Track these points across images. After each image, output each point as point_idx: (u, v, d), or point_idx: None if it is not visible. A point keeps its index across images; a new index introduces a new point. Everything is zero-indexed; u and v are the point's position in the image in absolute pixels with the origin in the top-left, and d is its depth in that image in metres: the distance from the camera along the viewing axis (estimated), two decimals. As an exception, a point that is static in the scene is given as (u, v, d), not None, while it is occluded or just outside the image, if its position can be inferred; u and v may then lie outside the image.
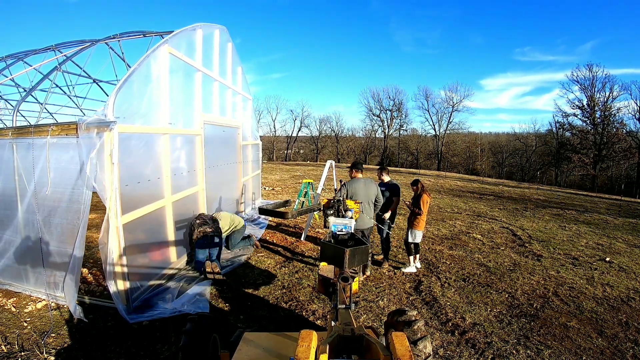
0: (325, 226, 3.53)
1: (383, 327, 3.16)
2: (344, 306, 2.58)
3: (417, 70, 77.96)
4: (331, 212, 3.60)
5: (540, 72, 76.83)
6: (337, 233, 3.00)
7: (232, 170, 8.38)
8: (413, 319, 2.52)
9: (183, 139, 5.65)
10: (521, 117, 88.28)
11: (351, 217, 3.39)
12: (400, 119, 58.48)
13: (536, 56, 73.18)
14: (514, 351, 3.83)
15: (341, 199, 3.66)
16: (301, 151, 64.29)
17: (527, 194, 18.47)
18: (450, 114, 54.86)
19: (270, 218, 9.12)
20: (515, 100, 75.75)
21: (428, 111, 56.38)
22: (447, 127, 55.04)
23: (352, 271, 2.93)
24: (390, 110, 58.32)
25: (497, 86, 75.86)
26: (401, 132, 58.84)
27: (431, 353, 2.36)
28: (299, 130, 61.48)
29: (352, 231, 3.03)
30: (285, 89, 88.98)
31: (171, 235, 5.32)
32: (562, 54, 69.13)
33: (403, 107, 58.28)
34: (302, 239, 7.48)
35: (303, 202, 9.33)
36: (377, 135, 60.55)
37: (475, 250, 7.39)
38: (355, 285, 3.23)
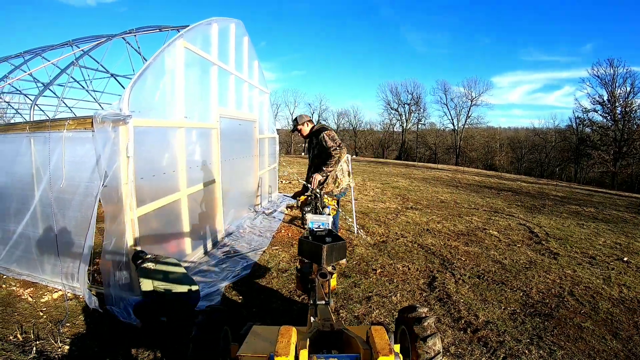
0: (303, 223, 3.57)
1: (394, 323, 3.14)
2: (323, 302, 2.62)
3: (430, 69, 79.17)
4: (308, 209, 3.66)
5: (546, 70, 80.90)
6: (315, 230, 3.02)
7: (248, 164, 8.48)
8: (423, 315, 2.53)
9: (199, 132, 5.74)
10: (534, 113, 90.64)
11: (328, 214, 3.41)
12: (418, 113, 57.96)
13: (540, 56, 77.93)
14: (526, 351, 3.77)
15: (318, 195, 3.73)
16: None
17: (545, 191, 18.04)
18: (469, 109, 54.10)
19: (286, 212, 9.19)
20: (527, 97, 76.76)
21: (446, 105, 55.80)
22: (465, 121, 54.29)
23: (331, 267, 2.97)
24: (408, 104, 57.81)
25: (507, 83, 77.21)
26: (419, 127, 58.28)
27: (441, 350, 2.36)
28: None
29: (330, 227, 3.07)
30: (305, 85, 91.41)
31: (186, 227, 5.40)
32: (564, 55, 74.11)
33: (421, 101, 57.75)
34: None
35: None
36: (394, 129, 60.11)
37: (491, 247, 7.29)
38: (333, 282, 3.31)
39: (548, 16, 69.82)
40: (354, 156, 53.15)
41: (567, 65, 79.72)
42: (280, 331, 1.80)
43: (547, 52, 74.27)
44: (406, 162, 42.07)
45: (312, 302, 2.73)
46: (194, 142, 5.64)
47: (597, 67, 39.90)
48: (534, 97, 75.86)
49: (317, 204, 3.67)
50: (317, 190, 4.12)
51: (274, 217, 8.49)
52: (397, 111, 58.60)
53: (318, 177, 4.51)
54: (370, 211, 9.92)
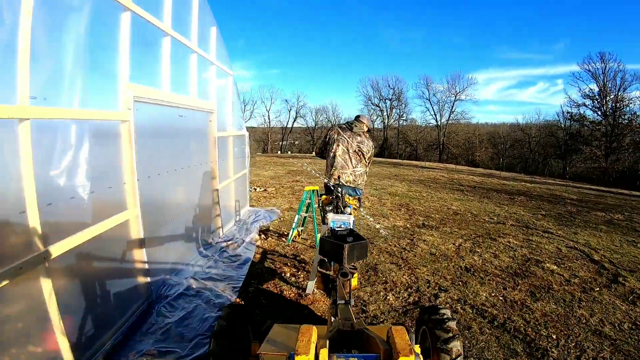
0: (324, 222, 3.70)
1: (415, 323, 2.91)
2: (343, 301, 2.60)
3: (406, 67, 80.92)
4: (330, 208, 3.59)
5: (519, 67, 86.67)
6: (336, 229, 2.90)
7: (199, 175, 5.71)
8: (446, 317, 2.47)
9: (83, 128, 3.01)
10: (510, 109, 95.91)
11: (350, 214, 3.39)
12: (399, 109, 56.20)
13: (512, 54, 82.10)
14: None
15: (340, 195, 3.79)
16: (296, 142, 62.06)
17: (557, 193, 16.14)
18: (453, 104, 52.76)
19: (258, 242, 6.51)
20: (501, 93, 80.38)
21: (429, 100, 54.25)
22: (449, 117, 52.95)
23: (352, 267, 2.87)
24: (389, 100, 55.88)
25: (482, 80, 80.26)
26: (400, 122, 56.62)
27: (462, 353, 2.35)
28: (294, 121, 59.02)
29: (352, 227, 3.00)
30: (283, 83, 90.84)
31: (59, 326, 2.66)
32: (536, 53, 78.34)
33: (403, 97, 56.04)
34: (307, 292, 4.69)
35: (305, 217, 6.71)
36: (374, 126, 58.15)
37: (566, 296, 4.86)
38: (354, 282, 3.41)
39: (519, 14, 72.01)
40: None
41: (540, 62, 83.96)
42: (301, 330, 1.80)
43: (519, 50, 78.10)
44: (390, 159, 40.00)
45: (332, 301, 2.73)
46: (72, 148, 2.91)
47: (588, 63, 39.69)
48: (508, 93, 79.38)
49: (339, 204, 3.63)
50: (340, 189, 3.99)
51: (239, 257, 5.59)
52: (379, 107, 56.58)
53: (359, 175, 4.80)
54: (374, 235, 7.31)
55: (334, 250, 2.63)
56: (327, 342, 1.78)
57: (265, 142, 56.14)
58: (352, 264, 2.86)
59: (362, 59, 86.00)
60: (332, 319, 2.43)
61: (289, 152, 46.21)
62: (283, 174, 17.39)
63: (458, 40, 76.49)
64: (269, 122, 58.23)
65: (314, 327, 1.89)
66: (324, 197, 4.55)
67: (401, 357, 1.58)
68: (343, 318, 2.27)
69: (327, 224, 3.16)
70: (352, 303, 2.59)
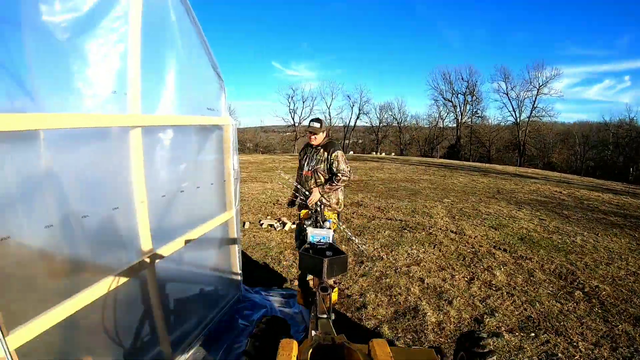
0: (304, 238, 3.58)
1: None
2: (324, 316, 2.65)
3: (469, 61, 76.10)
4: (309, 222, 3.65)
5: (584, 64, 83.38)
6: (315, 243, 2.96)
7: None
8: (487, 350, 2.32)
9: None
10: (576, 107, 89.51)
11: (329, 228, 3.37)
12: (473, 105, 52.59)
13: (576, 50, 77.33)
14: None
15: (319, 209, 3.80)
16: (360, 141, 61.19)
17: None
18: (535, 98, 47.88)
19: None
20: (566, 91, 75.05)
21: (507, 95, 49.74)
22: (531, 113, 48.16)
23: (334, 282, 3.01)
24: (463, 94, 52.63)
25: (545, 78, 75.44)
26: (473, 120, 52.89)
27: None
28: (357, 118, 57.85)
29: (331, 241, 3.01)
30: (348, 81, 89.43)
31: None
32: (601, 49, 73.62)
33: (477, 91, 52.25)
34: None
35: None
36: (444, 124, 55.36)
37: None
38: (334, 296, 3.72)
39: (580, 10, 67.10)
40: (400, 154, 49.63)
41: (605, 58, 79.21)
42: (281, 344, 1.80)
43: (583, 47, 73.55)
44: (467, 162, 36.73)
45: (313, 315, 2.79)
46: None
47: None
48: (574, 91, 75.00)
49: (318, 218, 3.65)
50: (319, 204, 4.04)
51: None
52: (451, 102, 53.35)
53: (317, 195, 4.43)
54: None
55: (314, 265, 2.63)
56: (308, 355, 1.81)
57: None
58: (333, 279, 2.85)
59: (423, 58, 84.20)
60: (313, 333, 2.47)
61: (351, 152, 45.39)
62: None
63: (520, 37, 72.70)
64: (330, 120, 57.54)
65: (295, 341, 1.94)
66: (303, 212, 4.40)
67: (373, 340, 1.61)
68: (324, 332, 2.33)
69: (307, 238, 3.13)
70: (332, 317, 2.66)
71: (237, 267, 3.99)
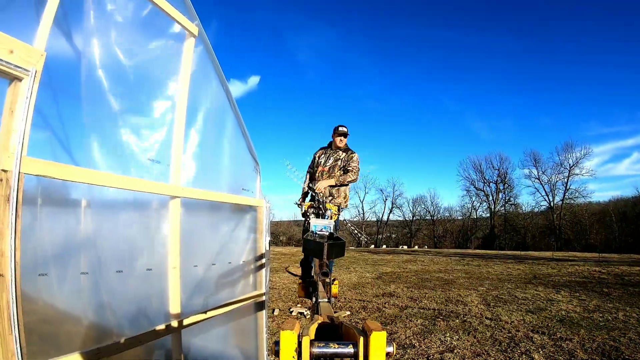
0: (307, 229, 3.71)
1: None
2: (325, 300, 2.93)
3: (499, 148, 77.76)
4: (311, 210, 3.97)
5: (611, 141, 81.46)
6: (318, 233, 3.23)
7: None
8: None
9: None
10: (609, 185, 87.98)
11: (330, 218, 3.75)
12: (506, 192, 52.13)
13: (601, 129, 75.30)
14: None
15: (321, 200, 4.06)
16: (393, 235, 60.67)
17: None
18: (567, 180, 47.19)
19: None
20: (598, 169, 74.49)
21: (538, 179, 49.27)
22: (564, 196, 47.12)
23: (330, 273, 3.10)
24: (494, 183, 52.59)
25: (575, 159, 75.72)
26: (507, 207, 52.02)
27: None
28: (390, 212, 58.15)
29: (332, 231, 3.28)
30: (381, 176, 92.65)
31: None
32: (625, 124, 72.78)
33: (509, 178, 52.12)
34: None
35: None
36: (478, 215, 54.60)
37: None
38: (335, 289, 3.90)
39: (604, 90, 69.25)
40: (434, 247, 48.57)
41: (630, 133, 79.23)
42: (285, 323, 1.78)
43: (607, 125, 74.69)
44: (503, 251, 35.81)
45: (314, 301, 3.01)
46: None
47: None
48: (605, 168, 74.58)
49: (320, 207, 3.94)
50: (322, 194, 4.41)
51: None
52: (483, 191, 53.25)
53: (327, 182, 5.06)
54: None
55: (316, 247, 2.83)
56: (309, 331, 1.87)
57: (359, 235, 55.89)
58: (332, 259, 3.17)
59: (456, 146, 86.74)
60: (315, 316, 2.47)
61: (384, 246, 44.84)
62: (371, 278, 13.38)
63: (545, 122, 74.45)
64: (363, 214, 58.13)
65: (298, 321, 1.93)
66: (306, 203, 4.75)
67: (373, 332, 1.65)
68: (324, 314, 2.41)
69: (310, 228, 3.42)
70: (332, 301, 2.89)
71: (263, 350, 4.09)
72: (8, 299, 1.86)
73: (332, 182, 5.30)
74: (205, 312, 3.09)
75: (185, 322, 2.84)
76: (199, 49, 3.07)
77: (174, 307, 2.79)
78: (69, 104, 2.23)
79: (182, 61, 2.92)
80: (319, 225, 3.38)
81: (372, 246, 48.58)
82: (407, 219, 58.41)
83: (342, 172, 5.41)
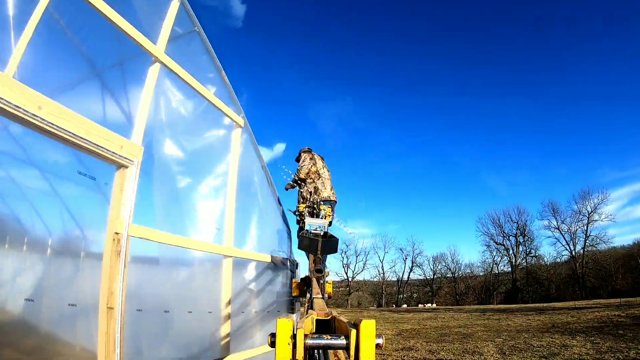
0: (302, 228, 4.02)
1: None
2: (319, 296, 2.89)
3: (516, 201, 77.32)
4: (307, 210, 4.10)
5: (627, 184, 77.55)
6: (312, 232, 3.40)
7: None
8: None
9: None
10: (631, 228, 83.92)
11: (324, 217, 3.85)
12: (526, 245, 51.13)
13: (615, 174, 75.13)
14: None
15: (315, 203, 4.19)
16: (414, 295, 59.11)
17: None
18: (586, 227, 46.28)
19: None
20: (617, 213, 72.44)
21: (558, 229, 48.29)
22: (585, 244, 45.99)
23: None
24: (514, 236, 51.79)
25: (594, 205, 74.71)
26: (528, 260, 50.78)
27: None
28: (411, 271, 57.22)
29: (326, 230, 3.46)
30: (400, 234, 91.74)
31: None
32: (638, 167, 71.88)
33: (528, 230, 51.29)
34: None
35: None
36: (500, 269, 53.27)
37: None
38: (329, 288, 4.23)
39: (615, 135, 69.69)
40: (456, 304, 47.25)
41: None
42: (279, 322, 1.77)
43: (621, 169, 74.30)
44: (526, 305, 34.55)
45: (309, 298, 3.23)
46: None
47: None
48: (624, 212, 72.91)
49: (314, 206, 4.06)
50: (315, 197, 4.63)
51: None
52: (503, 245, 52.31)
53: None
54: None
55: (310, 243, 3.04)
56: (304, 324, 1.91)
57: (380, 295, 54.72)
58: (325, 254, 3.36)
59: (474, 202, 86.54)
60: (309, 311, 2.61)
61: (405, 305, 43.83)
62: (391, 335, 13.73)
63: (561, 173, 74.55)
64: (383, 274, 57.21)
65: (291, 321, 2.03)
66: (302, 205, 4.89)
67: (363, 320, 1.72)
68: (318, 309, 2.48)
69: (305, 227, 3.56)
70: (326, 297, 2.91)
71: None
72: (114, 325, 2.67)
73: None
74: (249, 350, 3.85)
75: (234, 356, 3.59)
76: (244, 137, 4.10)
77: (224, 343, 3.55)
78: (154, 183, 3.18)
79: (232, 147, 3.94)
80: (313, 224, 3.54)
81: (394, 305, 47.51)
82: (427, 277, 57.21)
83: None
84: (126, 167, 2.83)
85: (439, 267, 56.89)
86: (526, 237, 50.89)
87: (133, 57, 3.20)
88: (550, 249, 62.52)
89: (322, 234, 3.37)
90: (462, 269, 56.08)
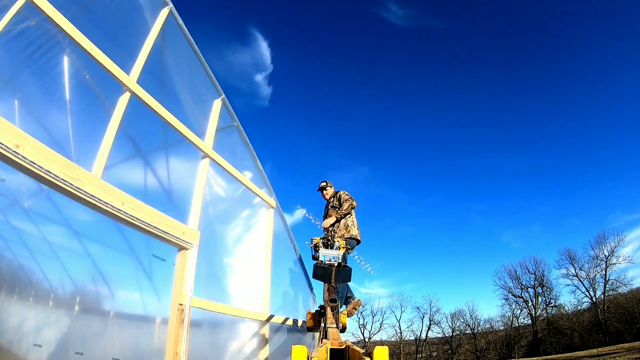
0: (315, 258, 3.92)
1: None
2: (333, 326, 2.99)
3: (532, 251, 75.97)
4: (322, 242, 4.00)
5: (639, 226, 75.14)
6: (326, 262, 3.38)
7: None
8: None
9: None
10: None
11: (338, 248, 3.82)
12: (545, 295, 49.77)
13: (628, 218, 75.59)
14: None
15: (330, 235, 4.33)
16: (434, 354, 56.65)
17: None
18: (605, 271, 45.16)
19: None
20: (635, 254, 70.36)
21: (576, 276, 47.05)
22: (604, 288, 44.71)
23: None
24: (532, 287, 50.56)
25: (609, 250, 73.10)
26: (548, 311, 49.20)
27: None
28: (429, 330, 55.34)
29: (340, 261, 3.43)
30: (417, 292, 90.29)
31: None
32: None
33: (546, 280, 50.11)
34: None
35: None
36: (520, 322, 51.49)
37: None
38: (344, 319, 4.02)
39: (625, 180, 69.88)
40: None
41: None
42: (293, 349, 1.93)
43: (634, 211, 73.28)
44: (549, 356, 33.29)
45: (323, 327, 3.03)
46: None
47: None
48: None
49: (329, 237, 4.09)
50: (330, 229, 4.79)
51: None
52: (522, 297, 50.87)
53: (330, 220, 5.35)
54: None
55: (324, 273, 3.15)
56: (318, 353, 1.95)
57: (398, 356, 52.54)
58: (339, 284, 3.49)
59: (490, 256, 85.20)
60: (323, 340, 2.66)
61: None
62: None
63: (572, 222, 74.04)
64: (401, 334, 55.23)
65: (305, 348, 2.08)
66: (316, 238, 4.86)
67: (377, 347, 1.80)
68: (332, 338, 2.54)
69: (319, 257, 3.63)
70: (340, 327, 2.95)
71: None
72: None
73: (333, 218, 5.60)
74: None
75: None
76: (276, 217, 4.82)
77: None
78: (205, 260, 3.87)
79: (266, 225, 4.67)
80: (328, 255, 3.59)
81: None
82: (446, 335, 55.06)
83: (337, 209, 5.84)
84: (187, 249, 3.53)
85: (458, 324, 54.95)
86: (545, 288, 49.51)
87: (189, 155, 4.00)
88: (570, 297, 60.24)
89: (336, 264, 3.47)
90: (481, 324, 54.14)
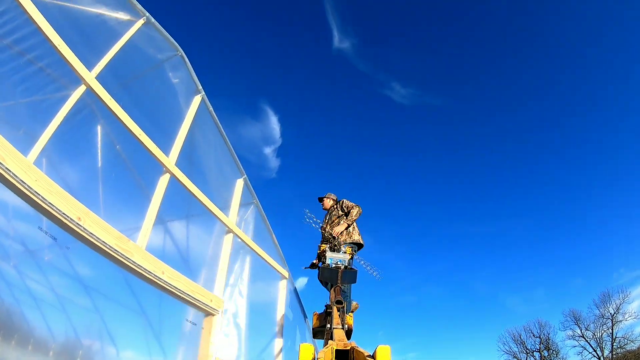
0: (322, 262, 4.07)
1: None
2: (339, 327, 2.96)
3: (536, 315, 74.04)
4: (328, 247, 4.17)
5: None
6: (333, 265, 3.50)
7: None
8: None
9: None
10: None
11: (344, 252, 3.91)
12: (551, 359, 47.55)
13: (631, 274, 72.66)
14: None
15: (336, 241, 4.41)
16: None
17: None
18: (612, 329, 43.70)
19: None
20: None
21: (582, 337, 45.42)
22: (612, 348, 43.08)
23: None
24: (538, 351, 48.54)
25: (614, 308, 71.45)
26: None
27: None
28: (436, 406, 52.34)
29: (346, 264, 3.55)
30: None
31: None
32: None
33: (552, 343, 48.26)
34: None
35: None
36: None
37: None
38: (350, 320, 4.03)
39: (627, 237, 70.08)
40: None
41: None
42: (301, 346, 1.99)
43: (637, 267, 72.57)
44: None
45: (329, 328, 3.08)
46: None
47: None
48: None
49: (335, 244, 4.24)
50: (337, 237, 4.81)
51: None
52: None
53: (341, 227, 5.27)
54: None
55: (331, 274, 3.25)
56: (324, 354, 1.99)
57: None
58: (345, 284, 3.50)
59: (493, 322, 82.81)
60: (329, 342, 2.64)
61: None
62: None
63: (576, 283, 73.01)
64: (405, 411, 52.18)
65: (312, 346, 2.18)
66: (323, 245, 4.86)
67: (379, 346, 1.84)
68: (338, 340, 2.52)
69: (325, 261, 3.69)
70: (346, 328, 3.01)
71: None
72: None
73: (344, 225, 5.51)
74: None
75: None
76: (289, 287, 5.15)
77: None
78: (229, 325, 4.16)
79: (279, 296, 4.99)
80: (334, 258, 3.67)
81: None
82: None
83: (344, 217, 5.75)
84: (213, 315, 3.85)
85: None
86: (550, 351, 47.39)
87: (215, 229, 4.40)
88: (577, 359, 57.78)
89: (342, 267, 3.53)
90: (487, 381, 51.39)
